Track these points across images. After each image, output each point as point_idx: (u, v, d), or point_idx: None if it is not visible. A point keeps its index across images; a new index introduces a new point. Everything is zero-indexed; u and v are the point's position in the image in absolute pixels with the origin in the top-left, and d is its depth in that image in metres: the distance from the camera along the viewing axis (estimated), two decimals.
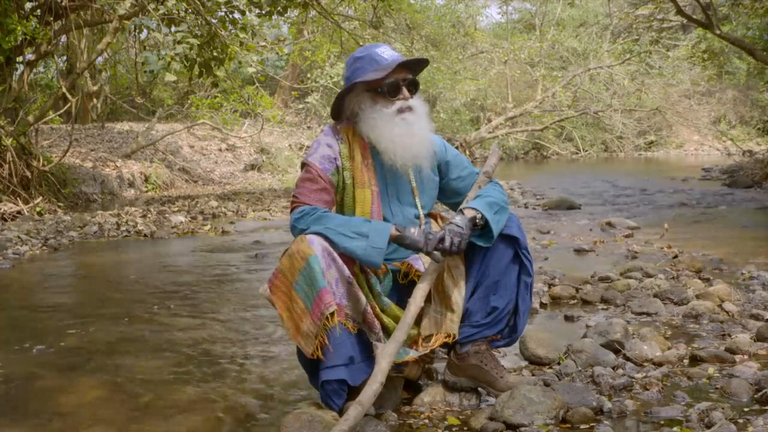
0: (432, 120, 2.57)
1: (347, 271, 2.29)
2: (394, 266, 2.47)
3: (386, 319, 2.36)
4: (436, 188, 2.60)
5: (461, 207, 2.43)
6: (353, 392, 2.27)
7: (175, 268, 5.36)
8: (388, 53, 2.46)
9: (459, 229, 2.31)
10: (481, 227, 2.37)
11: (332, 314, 2.20)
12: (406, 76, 2.46)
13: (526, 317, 2.53)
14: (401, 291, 2.47)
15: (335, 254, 2.27)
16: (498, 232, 2.38)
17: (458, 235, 2.30)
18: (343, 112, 2.53)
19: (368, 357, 2.32)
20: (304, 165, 2.46)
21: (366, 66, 2.44)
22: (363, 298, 2.31)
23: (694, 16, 12.55)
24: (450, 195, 2.63)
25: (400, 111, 2.43)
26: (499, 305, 2.44)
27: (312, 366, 2.34)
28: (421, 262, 2.48)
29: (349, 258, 2.30)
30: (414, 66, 2.51)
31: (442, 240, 2.29)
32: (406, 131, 2.42)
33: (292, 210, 2.39)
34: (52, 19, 9.40)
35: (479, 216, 2.35)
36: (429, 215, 2.61)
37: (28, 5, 9.93)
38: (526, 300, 2.49)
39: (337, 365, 2.26)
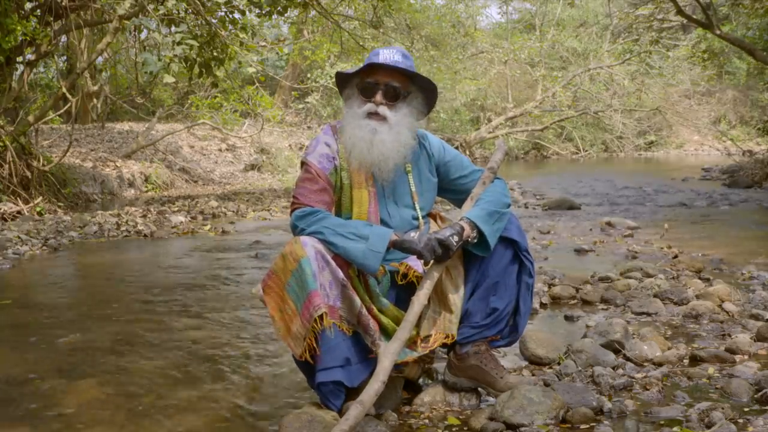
0: (426, 127, 2.54)
1: (341, 274, 2.28)
2: (392, 267, 2.45)
3: (385, 320, 2.36)
4: (435, 190, 2.59)
5: (462, 215, 2.41)
6: (352, 392, 2.27)
7: (175, 268, 5.35)
8: (386, 55, 2.41)
9: (451, 240, 2.28)
10: (477, 238, 2.36)
11: (321, 316, 2.19)
12: (390, 82, 2.41)
13: (527, 318, 2.54)
14: (399, 292, 2.46)
15: (329, 256, 2.26)
16: (494, 242, 2.38)
17: (447, 248, 2.29)
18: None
19: (365, 358, 2.32)
20: (303, 164, 2.45)
21: (366, 60, 2.45)
22: (357, 300, 2.30)
23: (694, 16, 12.55)
24: (454, 193, 2.61)
25: (369, 115, 2.40)
26: (498, 306, 2.44)
27: (308, 368, 2.33)
28: (419, 263, 2.48)
29: (343, 260, 2.30)
30: (420, 79, 2.46)
31: (433, 249, 2.27)
32: (366, 138, 2.37)
33: (292, 210, 2.39)
34: (52, 19, 9.39)
35: (472, 235, 2.34)
36: (428, 215, 2.60)
37: (28, 5, 9.92)
38: (527, 301, 2.50)
39: (332, 367, 2.26)
